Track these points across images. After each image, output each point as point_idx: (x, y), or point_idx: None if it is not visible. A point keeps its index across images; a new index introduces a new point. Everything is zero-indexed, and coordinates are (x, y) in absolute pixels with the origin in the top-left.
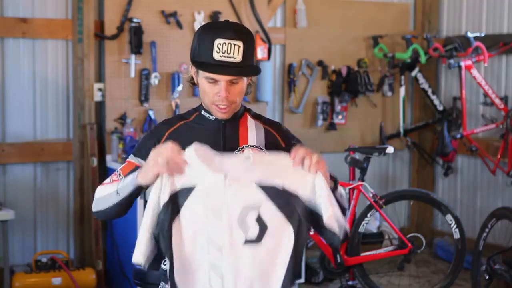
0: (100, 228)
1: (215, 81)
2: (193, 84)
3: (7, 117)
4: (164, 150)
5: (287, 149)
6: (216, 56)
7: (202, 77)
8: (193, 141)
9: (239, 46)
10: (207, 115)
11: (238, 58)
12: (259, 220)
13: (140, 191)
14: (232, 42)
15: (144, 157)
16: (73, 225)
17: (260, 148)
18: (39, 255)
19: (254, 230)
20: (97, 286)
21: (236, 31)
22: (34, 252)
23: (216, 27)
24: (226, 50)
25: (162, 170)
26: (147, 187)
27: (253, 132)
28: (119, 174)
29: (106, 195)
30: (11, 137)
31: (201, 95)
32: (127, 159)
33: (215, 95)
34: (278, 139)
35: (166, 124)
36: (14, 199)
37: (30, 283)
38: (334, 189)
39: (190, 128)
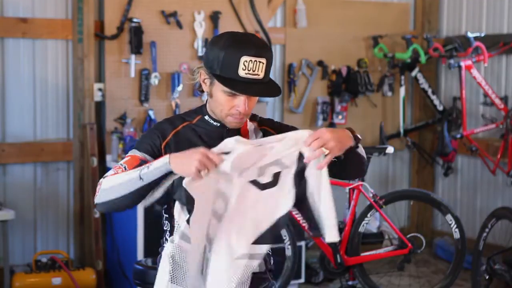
0: (100, 228)
1: (234, 95)
2: (201, 91)
3: (7, 117)
4: (200, 150)
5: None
6: (242, 73)
7: (220, 90)
8: (197, 144)
9: (263, 63)
10: (211, 121)
11: (261, 74)
12: (276, 176)
13: (167, 177)
14: (258, 59)
15: (148, 150)
16: (73, 225)
17: None
18: (39, 255)
19: (266, 178)
20: (97, 286)
21: (260, 47)
22: (34, 252)
23: (241, 42)
24: (252, 67)
25: (196, 164)
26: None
27: (253, 137)
28: (125, 167)
29: (122, 182)
30: (11, 137)
31: (214, 105)
32: (129, 154)
33: (233, 108)
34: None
35: (170, 124)
36: (14, 199)
37: (30, 283)
38: (355, 148)
39: (193, 131)
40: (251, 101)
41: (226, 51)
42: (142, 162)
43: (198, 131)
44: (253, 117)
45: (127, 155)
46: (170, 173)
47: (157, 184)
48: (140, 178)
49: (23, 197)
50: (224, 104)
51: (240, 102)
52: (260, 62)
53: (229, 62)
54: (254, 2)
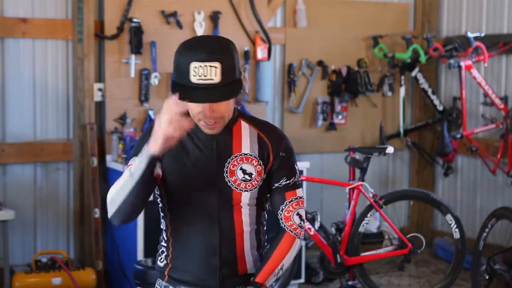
0: (100, 228)
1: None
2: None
3: (7, 117)
4: (165, 110)
5: (275, 162)
6: (194, 79)
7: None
8: (188, 147)
9: (216, 67)
10: None
11: (216, 79)
12: None
13: (154, 164)
14: (208, 64)
15: None
16: (73, 225)
17: (254, 156)
18: (39, 255)
19: None
20: (97, 286)
21: (210, 52)
22: (34, 252)
23: (190, 49)
24: (203, 73)
25: (168, 130)
26: (160, 159)
27: (247, 139)
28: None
29: (120, 186)
30: (11, 137)
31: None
32: (130, 162)
33: (199, 113)
34: (269, 150)
35: None
36: (14, 199)
37: (30, 283)
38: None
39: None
40: (217, 105)
41: (179, 57)
42: None
43: (189, 134)
44: (251, 120)
45: (128, 164)
46: (154, 160)
47: (149, 178)
48: (131, 175)
49: (23, 197)
50: (192, 109)
51: (204, 107)
52: (212, 66)
53: (182, 68)
54: (254, 2)
